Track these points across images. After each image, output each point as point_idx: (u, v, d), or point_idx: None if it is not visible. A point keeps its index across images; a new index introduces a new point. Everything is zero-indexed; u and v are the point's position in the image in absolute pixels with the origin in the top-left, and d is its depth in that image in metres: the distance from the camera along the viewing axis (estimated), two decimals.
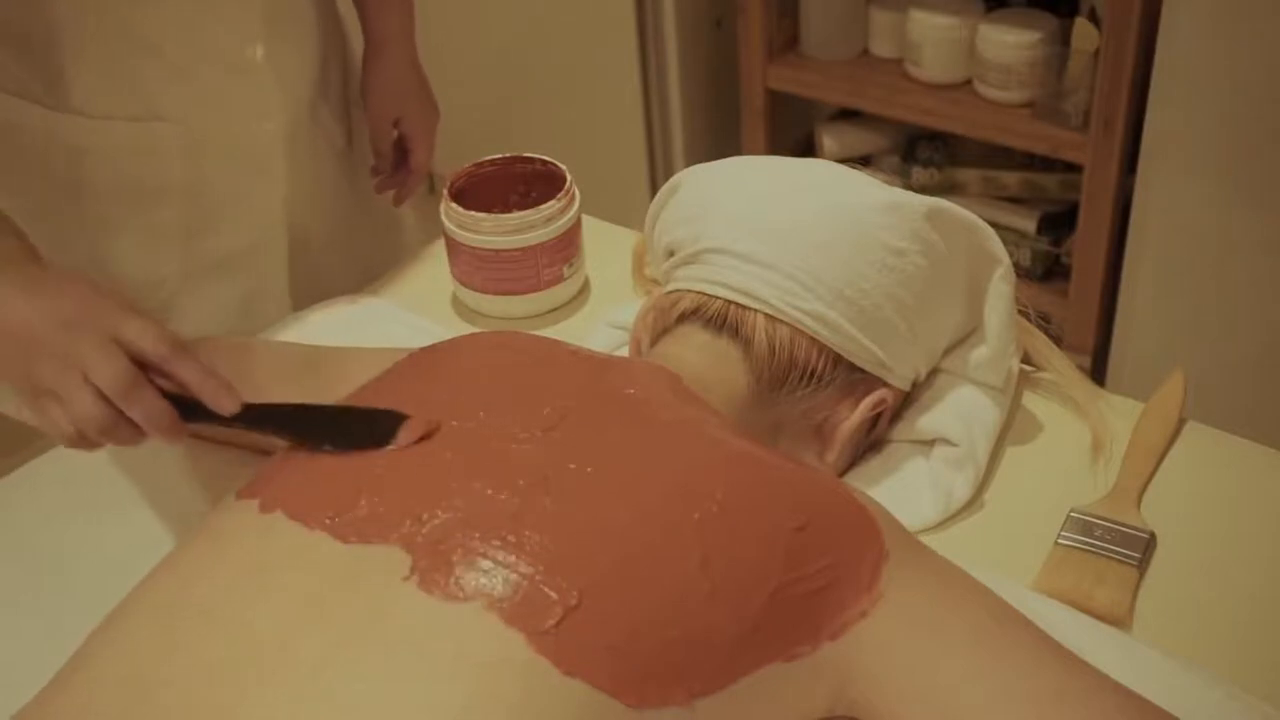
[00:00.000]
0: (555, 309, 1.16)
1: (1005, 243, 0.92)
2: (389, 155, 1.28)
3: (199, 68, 1.08)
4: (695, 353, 0.87)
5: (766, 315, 0.86)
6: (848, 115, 2.21)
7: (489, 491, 0.69)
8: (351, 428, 0.75)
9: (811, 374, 0.86)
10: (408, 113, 1.27)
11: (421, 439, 0.73)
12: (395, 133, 1.27)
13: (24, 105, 1.04)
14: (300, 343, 0.99)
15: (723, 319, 0.87)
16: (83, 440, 0.76)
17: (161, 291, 1.13)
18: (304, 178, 1.20)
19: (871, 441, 0.94)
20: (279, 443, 0.79)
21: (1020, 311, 0.95)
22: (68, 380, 0.74)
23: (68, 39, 1.01)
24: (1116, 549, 0.86)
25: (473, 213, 1.11)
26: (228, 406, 0.76)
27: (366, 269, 1.25)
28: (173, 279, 1.14)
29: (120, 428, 0.75)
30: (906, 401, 0.95)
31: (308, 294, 1.20)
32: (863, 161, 2.16)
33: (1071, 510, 0.89)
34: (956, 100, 1.97)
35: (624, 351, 0.99)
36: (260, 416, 0.77)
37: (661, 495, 0.70)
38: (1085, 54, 1.80)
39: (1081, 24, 1.80)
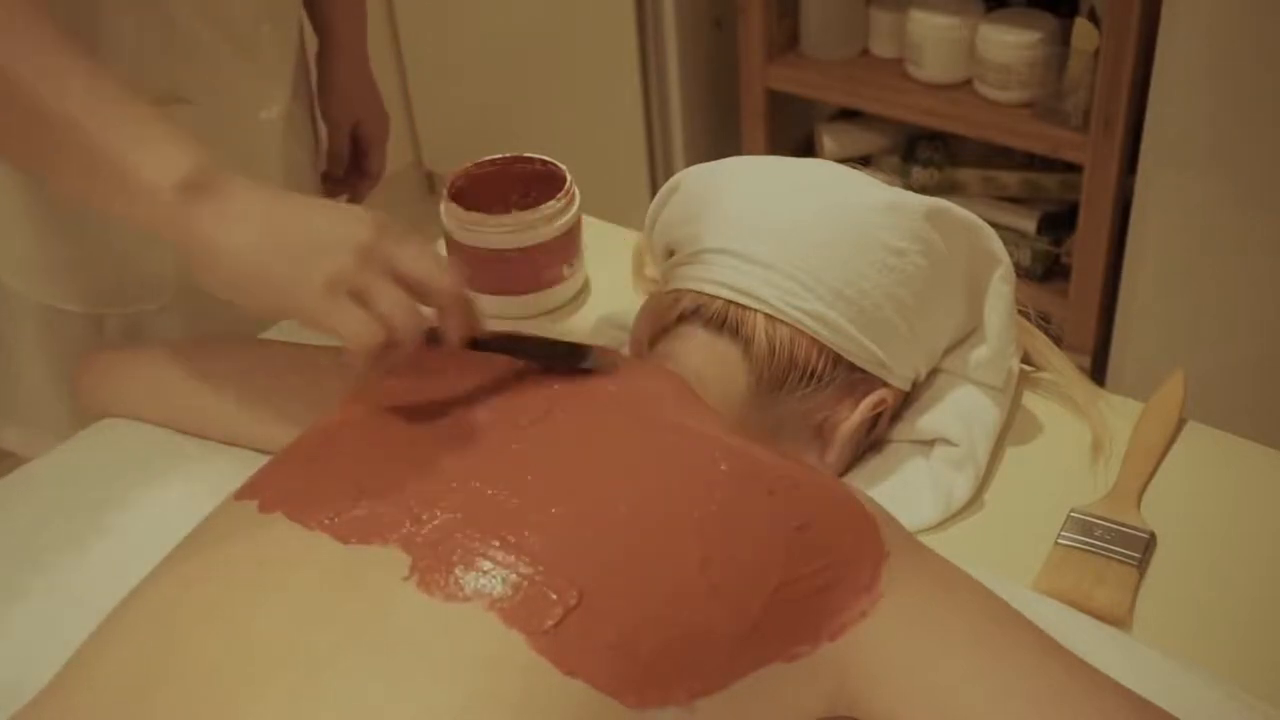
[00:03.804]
0: (555, 309, 1.16)
1: (1005, 243, 0.92)
2: (345, 159, 1.27)
3: (218, 43, 1.05)
4: (695, 353, 0.87)
5: (766, 315, 0.86)
6: (848, 115, 2.21)
7: (489, 491, 0.69)
8: (559, 350, 0.83)
9: (811, 374, 0.86)
10: (365, 117, 1.26)
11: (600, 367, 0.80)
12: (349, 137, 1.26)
13: None
14: (298, 343, 0.98)
15: (723, 319, 0.87)
16: (381, 343, 0.72)
17: (163, 294, 1.12)
18: (291, 176, 1.19)
19: (871, 441, 0.94)
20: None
21: (1020, 311, 0.95)
22: (381, 276, 0.72)
23: (105, 15, 0.99)
24: (1116, 549, 0.86)
25: (473, 213, 1.11)
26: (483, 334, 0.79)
27: None
28: (170, 278, 1.13)
29: (420, 330, 0.74)
30: (906, 401, 0.95)
31: None
32: (863, 161, 2.16)
33: (1071, 510, 0.89)
34: (956, 100, 1.98)
35: (624, 351, 0.99)
36: (505, 345, 0.83)
37: (661, 495, 0.70)
38: (1085, 54, 1.80)
39: (1081, 24, 1.80)
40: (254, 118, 1.13)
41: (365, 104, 1.27)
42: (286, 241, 0.72)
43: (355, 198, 1.30)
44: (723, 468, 0.71)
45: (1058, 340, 1.02)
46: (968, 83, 1.99)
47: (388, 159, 1.32)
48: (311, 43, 1.26)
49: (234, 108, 1.10)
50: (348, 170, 1.29)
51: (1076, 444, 0.96)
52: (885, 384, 0.90)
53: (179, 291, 1.12)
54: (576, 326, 1.13)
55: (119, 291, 1.11)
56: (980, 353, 0.93)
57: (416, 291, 0.74)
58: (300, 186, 1.22)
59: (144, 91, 1.03)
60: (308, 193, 1.22)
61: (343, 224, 0.73)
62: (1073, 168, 1.93)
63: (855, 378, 0.88)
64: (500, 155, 1.18)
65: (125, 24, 1.00)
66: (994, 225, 0.93)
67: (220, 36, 1.06)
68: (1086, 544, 0.87)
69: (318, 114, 1.27)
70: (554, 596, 0.63)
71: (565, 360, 0.82)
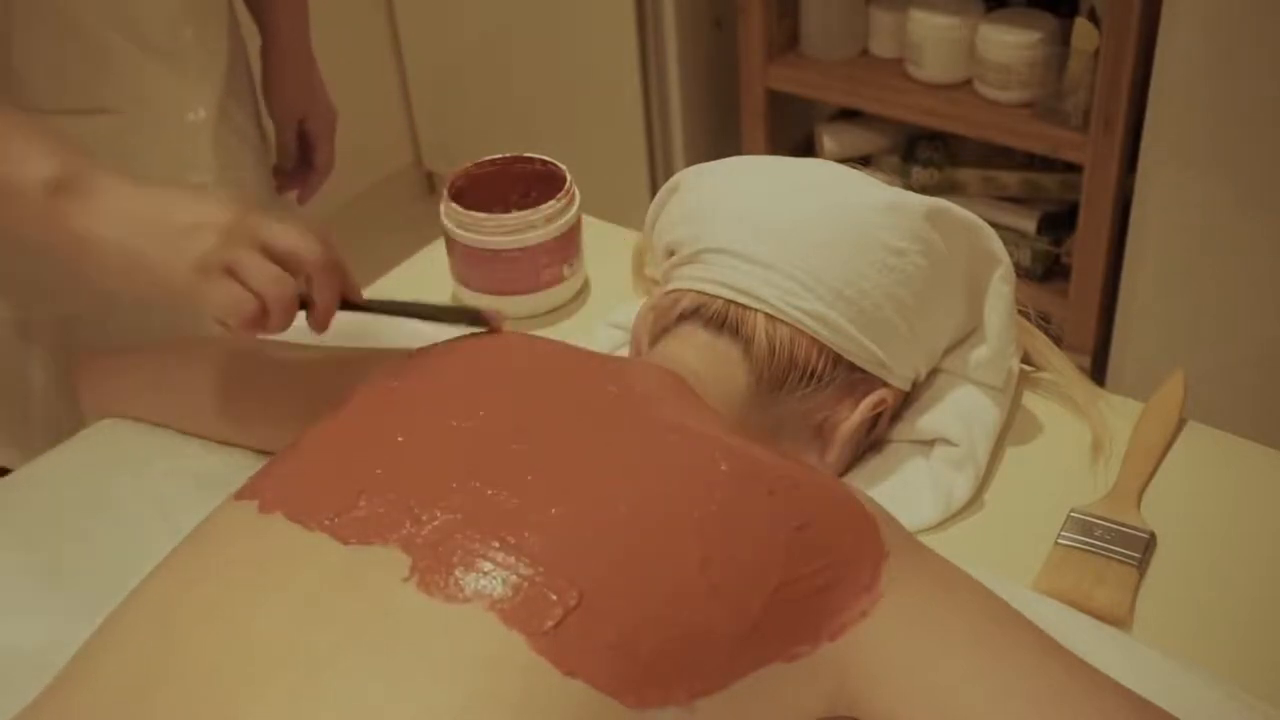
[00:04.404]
0: (555, 309, 1.16)
1: (1005, 243, 0.92)
2: (294, 154, 1.28)
3: (134, 52, 1.06)
4: (695, 352, 0.87)
5: (766, 315, 0.86)
6: (848, 115, 2.21)
7: (489, 492, 0.69)
8: (447, 312, 0.89)
9: (811, 374, 0.86)
10: (312, 111, 1.27)
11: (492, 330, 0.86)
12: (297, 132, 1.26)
13: None
14: (298, 343, 0.98)
15: (723, 319, 0.87)
16: (255, 314, 0.78)
17: (98, 297, 1.10)
18: (227, 174, 1.19)
19: (871, 441, 0.94)
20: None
21: (1020, 311, 0.95)
22: (249, 252, 0.77)
23: (16, 33, 1.00)
24: (1116, 549, 0.86)
25: (473, 213, 1.11)
26: (359, 296, 0.85)
27: None
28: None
29: (292, 302, 0.79)
30: (906, 401, 0.95)
31: None
32: (863, 161, 2.16)
33: (1071, 510, 0.89)
34: (956, 100, 1.98)
35: (624, 351, 0.99)
36: (387, 305, 0.89)
37: (661, 495, 0.70)
38: (1085, 54, 1.80)
39: (1081, 24, 1.80)
40: (181, 122, 1.13)
41: (310, 99, 1.27)
42: (154, 228, 0.77)
43: (305, 192, 1.31)
44: (723, 468, 0.71)
45: (1058, 340, 1.02)
46: (968, 83, 1.99)
47: (387, 159, 1.32)
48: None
49: (159, 113, 1.10)
50: (297, 165, 1.29)
51: (1076, 444, 0.96)
52: (885, 384, 0.90)
53: (101, 292, 1.11)
54: (576, 326, 1.13)
55: (38, 292, 1.10)
56: (980, 353, 0.93)
57: (286, 263, 0.79)
58: (242, 184, 1.22)
59: (66, 103, 1.03)
60: (257, 190, 1.23)
61: (206, 207, 0.79)
62: (1073, 168, 1.93)
63: (855, 378, 0.88)
64: (500, 155, 1.18)
65: (40, 38, 1.01)
66: (994, 225, 0.93)
67: (137, 45, 1.06)
68: (1086, 544, 0.87)
69: (264, 111, 1.27)
70: (554, 597, 0.63)
71: (455, 320, 0.88)
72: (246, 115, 1.23)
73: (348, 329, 1.09)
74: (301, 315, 0.82)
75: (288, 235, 0.79)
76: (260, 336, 0.81)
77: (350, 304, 0.85)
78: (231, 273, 0.77)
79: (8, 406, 1.14)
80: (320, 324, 0.83)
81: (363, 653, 0.62)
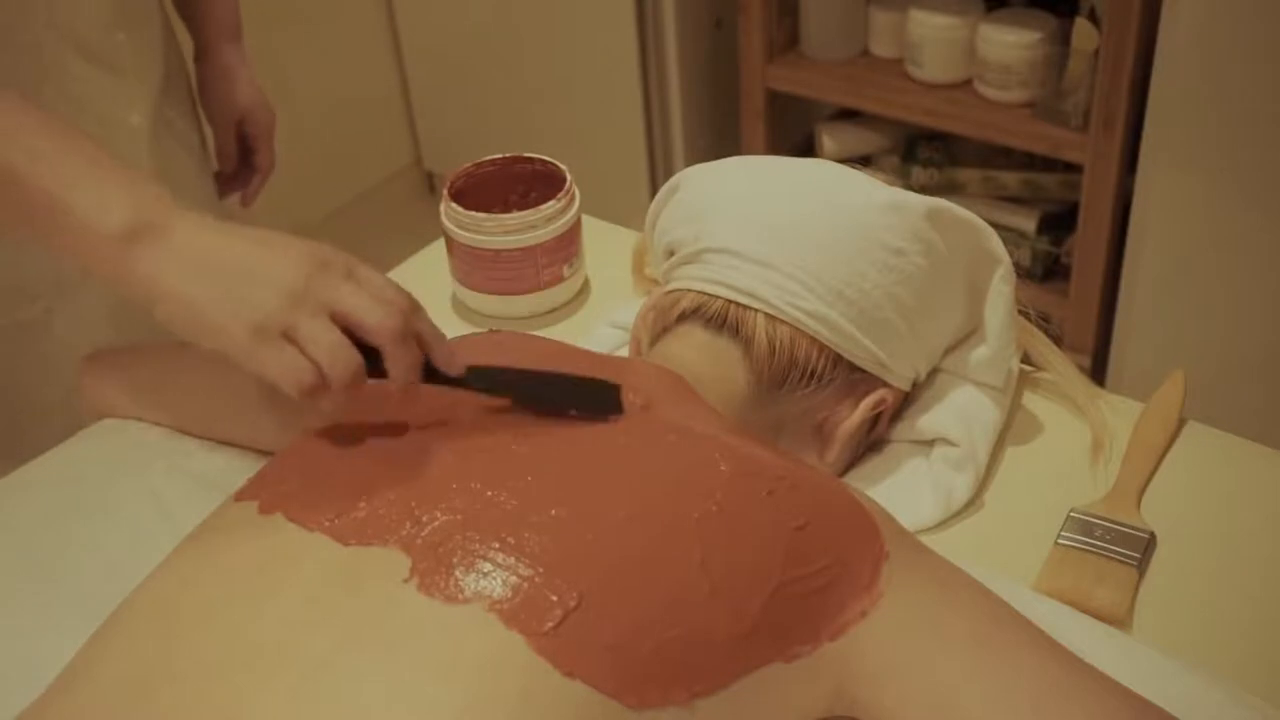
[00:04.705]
0: (555, 309, 1.16)
1: (1005, 243, 0.92)
2: (234, 156, 1.27)
3: (69, 57, 1.06)
4: (695, 352, 0.87)
5: (767, 315, 0.86)
6: (848, 115, 2.21)
7: (488, 493, 0.69)
8: (581, 393, 0.77)
9: (811, 374, 0.86)
10: (249, 113, 1.26)
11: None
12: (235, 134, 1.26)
13: None
14: None
15: (723, 318, 0.87)
16: (313, 385, 0.70)
17: (36, 305, 1.10)
18: (170, 178, 1.17)
19: (871, 441, 0.94)
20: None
21: (1020, 311, 0.95)
22: (315, 316, 0.70)
23: None
24: (1116, 549, 0.86)
25: (473, 213, 1.11)
26: (456, 368, 0.75)
27: None
28: (47, 291, 1.11)
29: (356, 376, 0.71)
30: (906, 401, 0.95)
31: None
32: (863, 161, 2.16)
33: (1071, 510, 0.89)
34: (956, 100, 1.98)
35: (624, 351, 0.99)
36: (491, 380, 0.77)
37: (661, 495, 0.70)
38: (1085, 54, 1.80)
39: (1081, 24, 1.80)
40: (119, 126, 1.12)
41: (245, 100, 1.26)
42: (219, 281, 0.71)
43: (248, 195, 1.30)
44: (723, 468, 0.71)
45: (1058, 340, 1.02)
46: (968, 83, 1.98)
47: (387, 159, 1.32)
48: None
49: (96, 119, 1.09)
50: (238, 168, 1.28)
51: (1076, 444, 0.96)
52: (885, 384, 0.90)
53: (59, 297, 1.11)
54: (576, 326, 1.13)
55: (22, 297, 1.10)
56: (980, 353, 0.93)
57: (356, 331, 0.71)
58: (181, 188, 1.20)
59: None
60: (194, 194, 1.22)
61: (278, 263, 0.71)
62: (1073, 168, 1.93)
63: (855, 378, 0.88)
64: (500, 155, 1.18)
65: None
66: (994, 225, 0.93)
67: (71, 49, 1.06)
68: (1086, 544, 0.87)
69: (203, 114, 1.27)
70: (554, 598, 0.63)
71: (578, 401, 0.77)
72: (186, 120, 1.23)
73: None
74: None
75: (360, 301, 0.71)
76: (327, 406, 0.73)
77: (441, 377, 0.75)
78: (290, 339, 0.70)
79: None
80: (400, 400, 0.74)
81: (363, 653, 0.62)
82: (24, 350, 1.11)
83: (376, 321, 0.71)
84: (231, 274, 0.71)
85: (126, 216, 0.72)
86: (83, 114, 1.08)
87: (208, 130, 1.27)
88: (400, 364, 0.72)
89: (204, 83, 1.25)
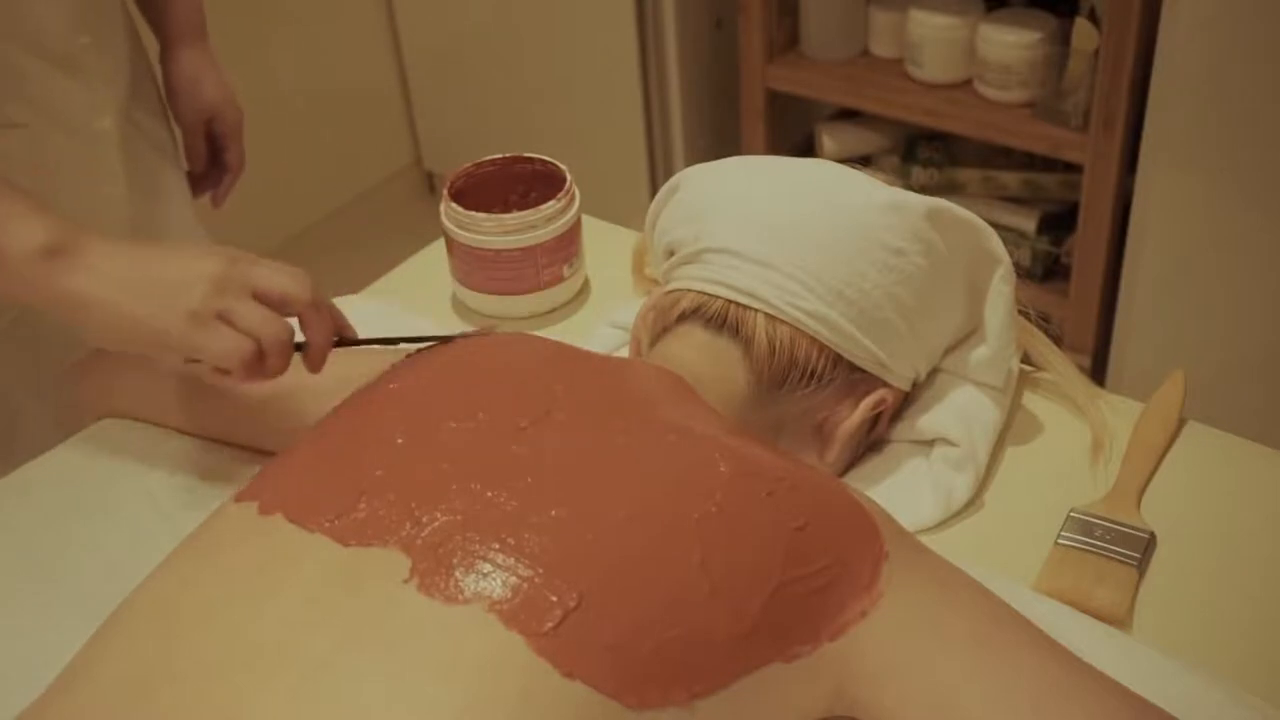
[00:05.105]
0: (555, 309, 1.16)
1: (1005, 243, 0.92)
2: (203, 156, 1.27)
3: (33, 62, 1.05)
4: (695, 352, 0.87)
5: (767, 315, 0.86)
6: (848, 115, 2.21)
7: (488, 493, 0.69)
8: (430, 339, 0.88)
9: (811, 374, 0.86)
10: (218, 112, 1.26)
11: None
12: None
13: None
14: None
15: (723, 318, 0.87)
16: (252, 356, 0.81)
17: (10, 310, 1.10)
18: (140, 180, 1.18)
19: (871, 441, 0.94)
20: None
21: (1020, 311, 0.95)
22: (240, 299, 0.80)
23: None
24: (1116, 549, 0.86)
25: (473, 213, 1.11)
26: (353, 331, 0.88)
27: None
28: (10, 306, 1.10)
29: (288, 343, 0.82)
30: (906, 401, 0.95)
31: None
32: (863, 161, 2.16)
33: (1071, 510, 0.89)
34: (956, 100, 1.98)
35: (624, 351, 0.99)
36: (373, 341, 0.89)
37: (661, 496, 0.70)
38: (1085, 54, 1.80)
39: (1081, 24, 1.80)
40: (87, 130, 1.12)
41: (213, 100, 1.26)
42: (146, 285, 0.80)
43: (219, 194, 1.30)
44: (722, 468, 0.71)
45: (1058, 340, 1.02)
46: (968, 83, 1.98)
47: (387, 159, 1.32)
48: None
49: (65, 124, 1.10)
50: (208, 167, 1.28)
51: (1076, 444, 0.96)
52: (885, 384, 0.90)
53: (22, 311, 1.10)
54: (576, 326, 1.13)
55: None
56: (980, 353, 0.93)
57: (277, 307, 0.82)
58: (153, 190, 1.22)
59: None
60: (167, 195, 1.23)
61: (195, 261, 0.81)
62: (1073, 168, 1.93)
63: (855, 378, 0.88)
64: (500, 155, 1.18)
65: None
66: (994, 225, 0.93)
67: (35, 54, 1.06)
68: (1086, 544, 0.87)
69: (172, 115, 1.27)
70: (554, 598, 0.63)
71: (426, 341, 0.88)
72: (156, 122, 1.23)
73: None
74: (299, 357, 0.84)
75: (276, 278, 0.82)
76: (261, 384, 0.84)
77: (344, 341, 0.87)
78: (224, 320, 0.80)
79: None
80: (315, 363, 0.86)
81: (363, 653, 0.62)
82: (8, 358, 1.11)
83: (296, 291, 0.82)
84: (155, 278, 0.81)
85: (44, 237, 0.80)
86: (51, 121, 1.08)
87: (178, 131, 1.27)
88: (318, 328, 0.84)
89: (170, 83, 1.25)
